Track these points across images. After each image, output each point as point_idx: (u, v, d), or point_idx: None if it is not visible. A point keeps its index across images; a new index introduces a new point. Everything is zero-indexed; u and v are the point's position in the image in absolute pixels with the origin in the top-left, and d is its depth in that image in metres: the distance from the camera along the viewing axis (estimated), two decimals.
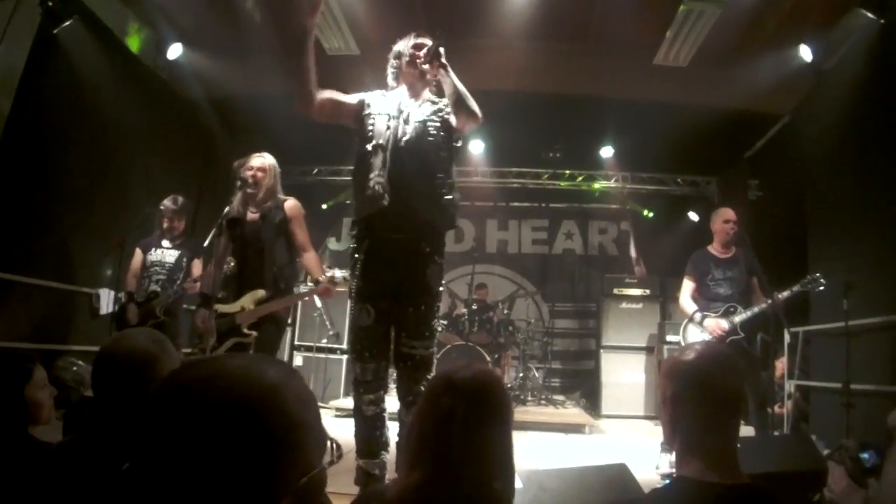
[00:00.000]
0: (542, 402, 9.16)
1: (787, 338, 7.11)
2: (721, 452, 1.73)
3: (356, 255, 3.71)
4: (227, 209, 4.95)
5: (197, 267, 6.10)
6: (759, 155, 9.68)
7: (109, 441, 1.77)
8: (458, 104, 3.69)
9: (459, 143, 3.89)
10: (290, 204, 5.00)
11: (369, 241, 3.68)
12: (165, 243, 6.16)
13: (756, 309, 5.42)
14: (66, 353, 6.48)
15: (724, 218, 5.77)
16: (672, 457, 5.00)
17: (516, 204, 12.38)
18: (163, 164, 8.18)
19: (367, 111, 3.78)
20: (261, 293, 4.85)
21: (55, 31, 6.34)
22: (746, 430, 4.81)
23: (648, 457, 5.50)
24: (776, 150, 9.06)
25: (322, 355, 9.18)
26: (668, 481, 1.84)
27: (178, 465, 0.87)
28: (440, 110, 3.81)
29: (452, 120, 3.79)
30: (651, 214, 11.72)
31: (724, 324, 5.47)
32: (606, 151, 10.85)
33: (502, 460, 1.78)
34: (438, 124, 3.76)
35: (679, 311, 6.18)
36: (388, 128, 3.67)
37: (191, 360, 1.02)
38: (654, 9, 7.37)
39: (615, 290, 10.08)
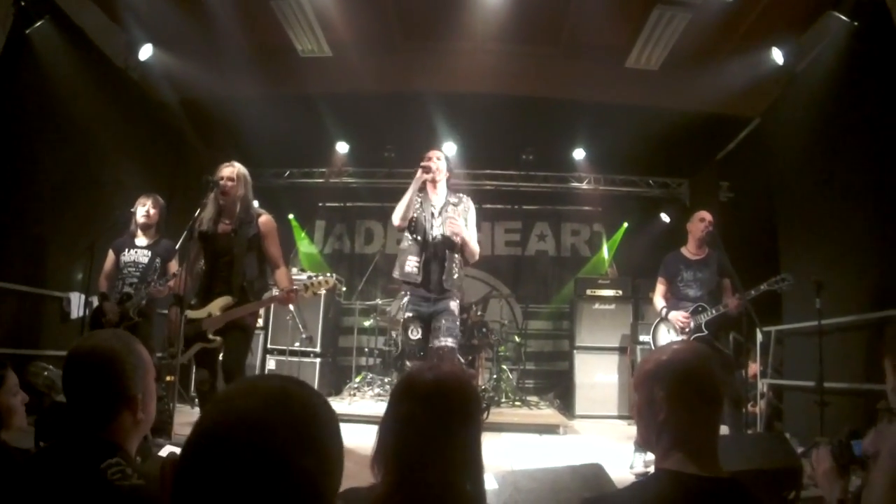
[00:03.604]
0: (517, 403, 9.16)
1: (759, 337, 7.19)
2: (703, 446, 1.75)
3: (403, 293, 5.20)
4: (198, 212, 4.95)
5: (173, 268, 6.03)
6: (730, 157, 9.79)
7: (83, 444, 1.75)
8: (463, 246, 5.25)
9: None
10: (264, 220, 5.07)
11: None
12: (140, 242, 6.07)
13: (721, 308, 5.52)
14: (38, 357, 6.39)
15: (700, 217, 5.89)
16: (646, 456, 5.06)
17: (489, 206, 12.31)
18: (134, 165, 8.09)
19: (415, 214, 5.25)
20: (228, 300, 4.89)
21: (27, 32, 6.28)
22: (721, 430, 4.84)
23: (622, 456, 5.52)
24: (747, 152, 9.17)
25: (295, 359, 9.12)
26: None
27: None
28: (453, 209, 5.27)
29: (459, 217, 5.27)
30: (626, 225, 11.86)
31: (687, 315, 5.61)
32: (579, 154, 10.92)
33: (469, 461, 1.78)
34: (456, 224, 5.17)
35: (654, 311, 6.27)
36: (427, 228, 5.21)
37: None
38: (627, 12, 7.41)
39: (588, 292, 10.10)
